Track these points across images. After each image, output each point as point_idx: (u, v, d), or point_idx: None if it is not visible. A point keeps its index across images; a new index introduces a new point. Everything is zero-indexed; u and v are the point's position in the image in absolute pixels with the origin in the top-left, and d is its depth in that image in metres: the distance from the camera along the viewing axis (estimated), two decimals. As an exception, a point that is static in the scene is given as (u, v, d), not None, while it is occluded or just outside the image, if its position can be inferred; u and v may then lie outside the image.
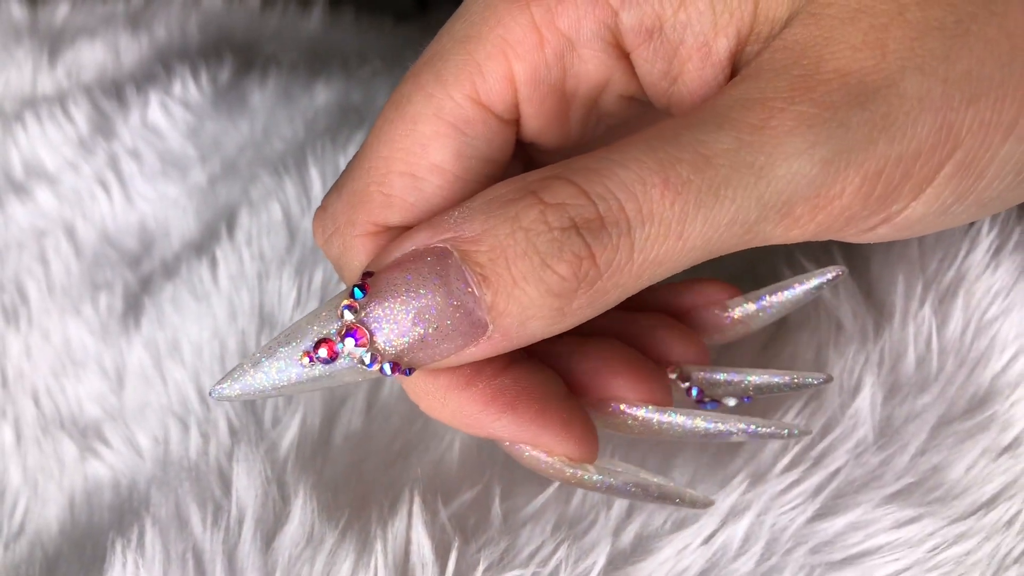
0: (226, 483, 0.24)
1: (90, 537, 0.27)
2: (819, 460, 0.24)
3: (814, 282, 0.23)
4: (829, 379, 0.22)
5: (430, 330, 0.18)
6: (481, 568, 0.22)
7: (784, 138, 0.17)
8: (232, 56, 0.44)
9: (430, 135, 0.20)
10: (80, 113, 0.41)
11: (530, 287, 0.18)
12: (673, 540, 0.23)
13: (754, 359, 0.28)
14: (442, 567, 0.22)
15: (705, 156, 0.17)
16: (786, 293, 0.23)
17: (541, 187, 0.18)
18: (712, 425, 0.21)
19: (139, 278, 0.36)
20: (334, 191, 0.21)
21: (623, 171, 0.17)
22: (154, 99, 0.41)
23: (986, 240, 0.28)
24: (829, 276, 0.23)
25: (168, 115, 0.41)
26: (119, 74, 0.44)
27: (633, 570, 0.23)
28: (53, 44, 0.46)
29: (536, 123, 0.21)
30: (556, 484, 0.24)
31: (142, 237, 0.38)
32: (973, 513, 0.25)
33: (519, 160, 0.23)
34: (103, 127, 0.41)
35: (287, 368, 0.19)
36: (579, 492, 0.24)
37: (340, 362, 0.19)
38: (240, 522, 0.23)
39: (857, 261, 0.29)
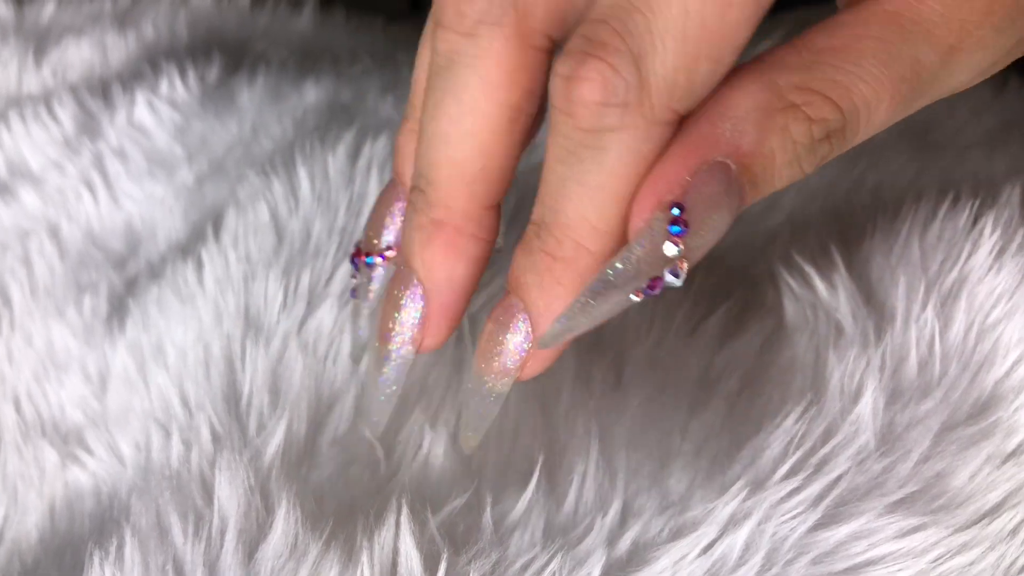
0: (208, 492, 0.23)
1: (70, 546, 0.27)
2: (820, 467, 0.24)
3: None
4: None
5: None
6: (471, 580, 0.21)
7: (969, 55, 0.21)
8: (221, 55, 0.43)
9: None
10: (65, 112, 0.41)
11: (785, 182, 0.21)
12: (670, 550, 0.22)
13: (750, 363, 0.27)
14: (431, 580, 0.21)
15: (919, 74, 0.21)
16: None
17: (805, 102, 0.20)
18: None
19: (124, 280, 0.35)
20: None
21: (867, 88, 0.21)
22: (141, 98, 0.40)
23: (988, 242, 0.27)
24: None
25: (155, 114, 0.40)
26: (106, 73, 0.44)
27: (629, 581, 0.22)
28: (39, 43, 0.45)
29: None
30: (538, 484, 0.23)
31: (128, 238, 0.37)
32: (977, 522, 0.24)
33: None
34: (89, 126, 0.40)
35: (613, 308, 0.21)
36: (571, 495, 0.24)
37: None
38: (222, 532, 0.22)
39: (857, 262, 0.28)
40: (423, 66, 0.24)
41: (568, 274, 0.21)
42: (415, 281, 0.23)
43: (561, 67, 0.20)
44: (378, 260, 0.26)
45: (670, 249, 0.20)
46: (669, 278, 0.20)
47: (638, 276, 0.20)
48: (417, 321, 0.24)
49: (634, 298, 0.21)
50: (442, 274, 0.23)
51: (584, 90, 0.19)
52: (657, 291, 0.21)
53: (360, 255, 0.26)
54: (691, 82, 0.20)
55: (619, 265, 0.20)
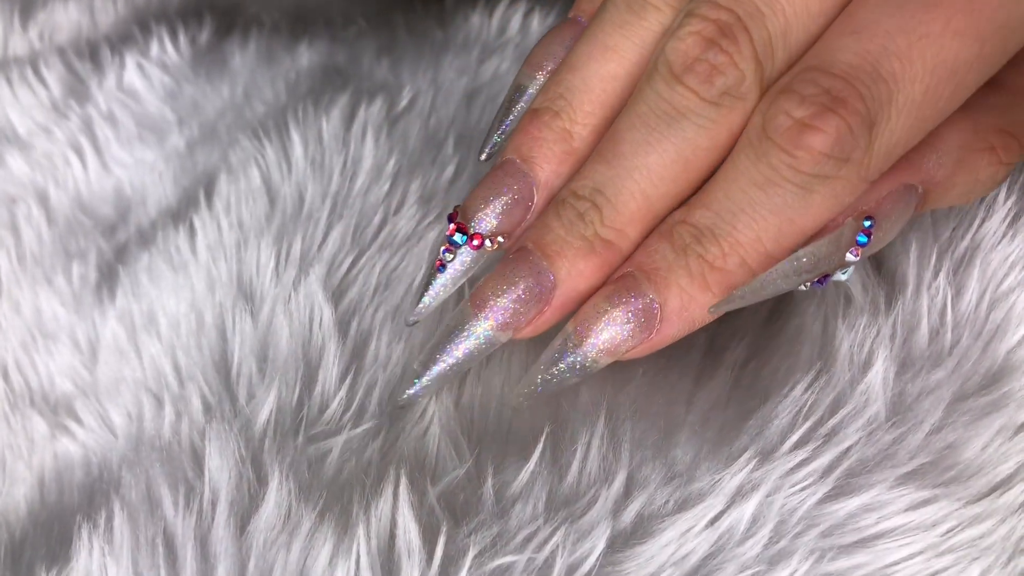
0: (199, 463, 0.23)
1: (59, 519, 0.26)
2: (829, 438, 0.23)
3: None
4: None
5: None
6: (471, 554, 0.20)
7: None
8: (212, 17, 0.42)
9: None
10: (53, 76, 0.40)
11: (949, 205, 0.24)
12: (676, 522, 0.22)
13: (757, 331, 0.27)
14: (430, 553, 0.21)
15: None
16: None
17: (1001, 144, 0.22)
18: None
19: (114, 247, 0.34)
20: None
21: None
22: (130, 61, 0.39)
23: (1003, 208, 0.27)
24: None
25: (145, 78, 0.39)
26: (94, 35, 0.43)
27: (633, 553, 0.22)
28: (25, 4, 0.44)
29: None
30: (541, 454, 0.23)
31: (117, 204, 0.36)
32: (988, 494, 0.24)
33: None
34: (77, 90, 0.39)
35: (779, 292, 0.22)
36: (575, 465, 0.23)
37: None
38: (213, 504, 0.22)
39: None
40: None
41: (721, 285, 0.22)
42: (550, 280, 0.23)
43: (795, 109, 0.20)
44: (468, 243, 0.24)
45: (851, 256, 0.22)
46: (838, 275, 0.23)
47: (814, 271, 0.22)
48: (528, 311, 0.23)
49: (803, 288, 0.22)
50: (583, 287, 0.23)
51: (816, 140, 0.20)
52: (825, 284, 0.23)
53: (457, 229, 0.24)
54: (905, 149, 0.21)
55: (804, 259, 0.22)
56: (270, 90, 0.37)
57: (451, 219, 0.24)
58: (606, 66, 0.23)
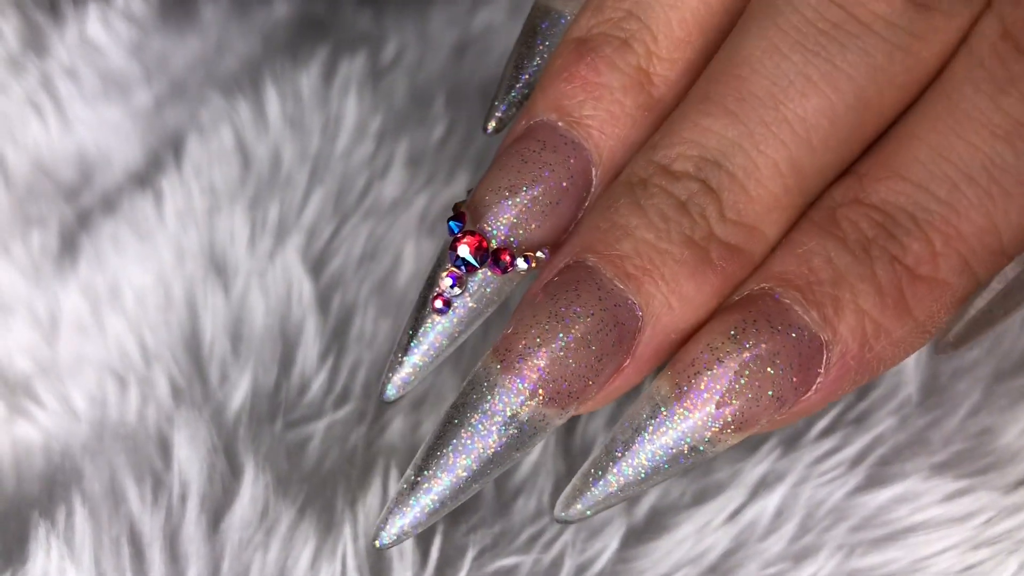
0: (167, 453, 0.21)
1: (17, 513, 0.24)
2: (859, 423, 0.21)
3: None
4: None
5: None
6: (470, 555, 0.18)
7: None
8: (181, -36, 0.39)
9: None
10: (9, 27, 0.38)
11: None
12: (693, 515, 0.20)
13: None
14: (424, 554, 0.19)
15: None
16: None
17: None
18: None
19: (77, 213, 0.32)
20: None
21: None
22: (93, 11, 0.37)
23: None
24: None
25: (110, 29, 0.37)
26: (54, -16, 0.40)
27: (646, 550, 0.20)
28: (-21, -49, 0.41)
29: None
30: (546, 442, 0.21)
31: (81, 166, 0.34)
32: (1026, 481, 0.22)
33: None
34: (35, 43, 0.37)
35: None
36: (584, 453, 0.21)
37: None
38: (183, 499, 0.19)
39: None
40: None
41: (928, 306, 0.14)
42: (635, 316, 0.14)
43: None
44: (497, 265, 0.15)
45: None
46: None
47: None
48: (598, 370, 0.14)
49: None
50: (689, 323, 0.14)
51: None
52: None
53: (468, 241, 0.14)
54: None
55: None
56: (244, 43, 0.35)
57: (456, 221, 0.14)
58: None
